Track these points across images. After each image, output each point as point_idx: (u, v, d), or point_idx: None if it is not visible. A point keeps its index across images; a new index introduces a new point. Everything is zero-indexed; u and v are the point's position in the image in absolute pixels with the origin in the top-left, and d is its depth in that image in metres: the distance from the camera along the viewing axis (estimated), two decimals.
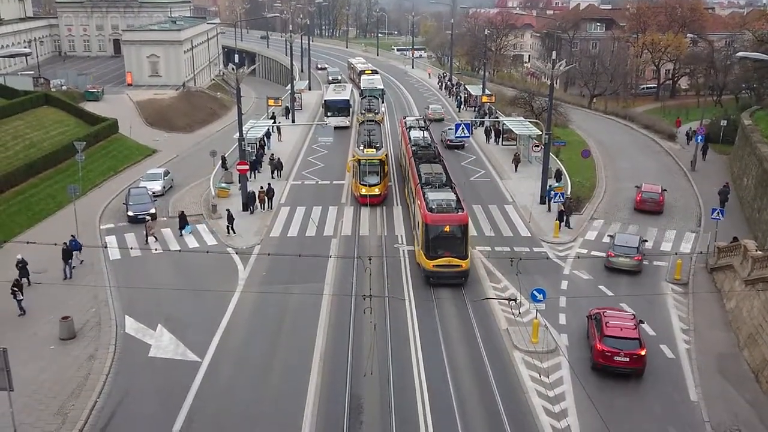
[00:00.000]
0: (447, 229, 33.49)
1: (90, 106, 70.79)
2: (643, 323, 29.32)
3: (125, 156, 60.01)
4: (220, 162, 52.25)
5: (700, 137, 55.48)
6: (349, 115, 68.91)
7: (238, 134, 44.78)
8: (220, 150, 54.34)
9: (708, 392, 25.75)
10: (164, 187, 49.10)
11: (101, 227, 42.08)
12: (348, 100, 70.06)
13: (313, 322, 30.34)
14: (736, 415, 24.49)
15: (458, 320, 30.75)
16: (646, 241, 38.41)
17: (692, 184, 51.04)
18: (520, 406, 24.70)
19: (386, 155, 47.18)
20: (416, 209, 36.75)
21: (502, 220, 43.41)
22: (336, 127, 65.62)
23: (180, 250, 36.59)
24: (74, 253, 35.35)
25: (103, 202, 47.01)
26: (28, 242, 29.02)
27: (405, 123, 54.98)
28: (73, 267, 34.96)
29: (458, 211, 34.50)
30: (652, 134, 68.86)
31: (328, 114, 68.15)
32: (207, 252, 34.66)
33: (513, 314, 28.87)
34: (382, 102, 75.65)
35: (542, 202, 45.61)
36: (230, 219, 40.61)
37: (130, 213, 42.76)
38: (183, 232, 40.47)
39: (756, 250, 31.14)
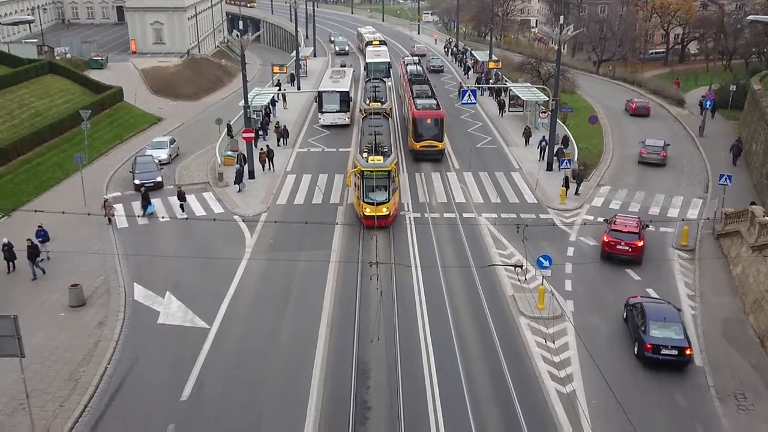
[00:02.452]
0: (429, 121, 47.41)
1: (94, 74, 70.47)
2: (648, 227, 35.09)
3: (131, 124, 59.91)
4: (226, 130, 52.14)
5: (708, 102, 55.00)
6: (348, 110, 56.51)
7: (243, 102, 44.58)
8: (225, 118, 54.16)
9: (713, 357, 25.89)
10: (170, 156, 49.10)
11: (108, 195, 42.15)
12: (347, 92, 56.83)
13: (320, 289, 30.53)
14: (740, 380, 24.66)
15: (464, 287, 30.89)
16: (669, 144, 48.83)
17: (700, 150, 50.75)
18: (525, 371, 24.90)
19: (396, 163, 38.41)
20: (408, 113, 50.80)
21: (508, 186, 43.31)
22: (332, 126, 55.86)
23: (187, 218, 36.68)
24: (41, 246, 32.17)
25: (109, 171, 47.08)
26: (36, 210, 29.12)
27: (404, 62, 69.26)
28: (41, 260, 31.89)
29: (437, 109, 48.54)
30: (660, 100, 68.27)
31: (323, 109, 55.97)
32: (214, 220, 34.75)
33: (519, 281, 28.96)
34: (389, 77, 66.81)
35: (549, 168, 45.44)
36: (239, 176, 42.06)
37: (137, 181, 42.80)
38: (145, 211, 38.56)
39: (763, 216, 31.04)
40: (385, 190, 36.24)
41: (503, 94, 62.11)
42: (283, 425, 22.03)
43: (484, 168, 46.54)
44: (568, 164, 41.45)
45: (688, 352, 24.91)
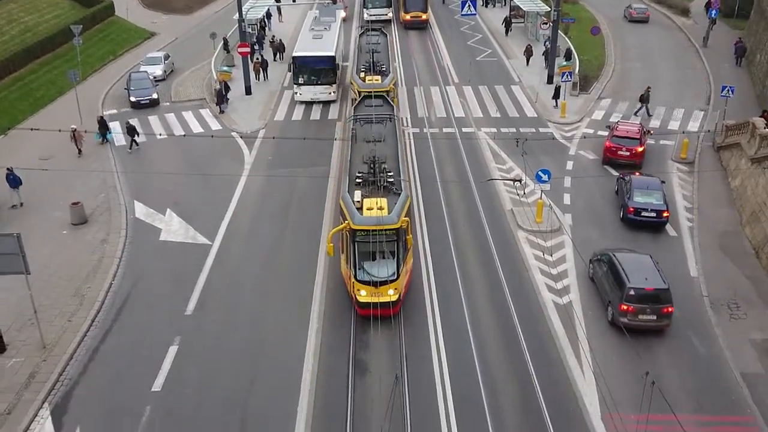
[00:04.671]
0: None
1: None
2: (650, 132, 36.04)
3: (123, 39, 58.63)
4: (222, 44, 51.09)
5: (713, 11, 53.71)
6: (334, 81, 42.16)
7: (237, 15, 43.49)
8: (220, 32, 52.98)
9: (708, 268, 26.29)
10: (165, 72, 48.28)
11: (104, 113, 41.75)
12: (331, 57, 41.75)
13: (320, 204, 30.68)
14: (734, 290, 25.12)
15: (463, 201, 31.03)
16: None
17: (703, 61, 49.87)
18: (523, 284, 25.33)
19: (408, 205, 23.46)
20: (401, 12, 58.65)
21: (508, 100, 42.85)
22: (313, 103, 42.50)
23: (185, 135, 36.48)
24: (13, 190, 30.37)
25: (104, 88, 46.42)
26: (32, 129, 28.91)
27: None
28: (13, 206, 30.51)
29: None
30: (665, 9, 66.58)
31: (299, 80, 41.64)
32: (212, 137, 34.59)
33: (518, 195, 29.08)
34: (389, 7, 59.35)
35: (549, 81, 44.83)
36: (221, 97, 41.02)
37: (133, 98, 42.30)
38: (107, 137, 37.10)
39: (764, 128, 30.86)
40: (392, 258, 22.59)
41: (509, 8, 60.45)
42: (286, 337, 22.56)
43: (483, 82, 45.90)
44: (569, 77, 40.87)
45: (665, 214, 28.55)
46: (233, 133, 38.37)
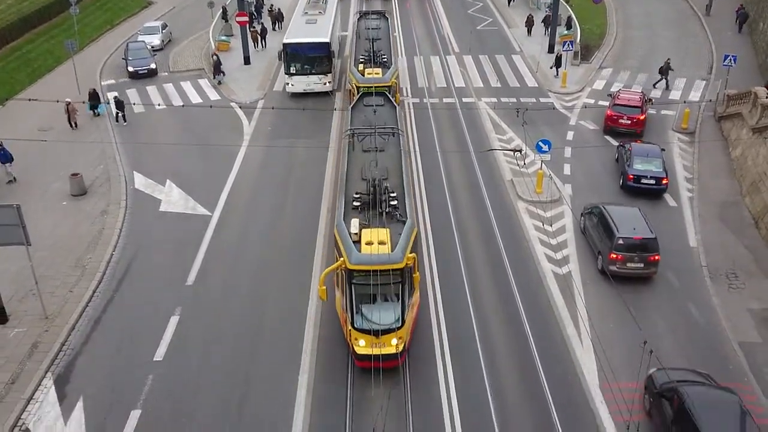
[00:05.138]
0: None
1: None
2: (652, 101, 36.31)
3: (120, 8, 58.03)
4: (220, 13, 50.58)
5: None
6: (329, 69, 38.52)
7: None
8: (218, 1, 52.41)
9: (707, 239, 26.33)
10: (163, 41, 47.86)
11: (102, 83, 41.50)
12: (326, 44, 37.97)
13: (320, 174, 30.65)
14: (733, 260, 25.18)
15: (463, 171, 30.99)
16: None
17: (706, 30, 49.40)
18: (522, 254, 25.39)
19: (414, 237, 20.17)
20: None
21: (509, 70, 42.57)
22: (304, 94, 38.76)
23: (183, 105, 36.30)
24: (5, 165, 30.04)
25: (101, 58, 46.03)
26: (30, 99, 28.75)
27: None
28: (9, 182, 29.98)
29: None
30: None
31: (291, 69, 38.19)
32: (210, 107, 34.41)
33: (518, 165, 29.02)
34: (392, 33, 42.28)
35: (550, 51, 44.47)
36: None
37: (131, 68, 42.00)
38: (97, 111, 36.45)
39: (766, 98, 30.69)
40: (396, 301, 19.33)
41: None
42: (287, 307, 22.67)
43: (483, 51, 45.57)
44: (570, 46, 40.53)
45: (664, 181, 28.58)
46: (232, 104, 38.18)
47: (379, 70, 32.43)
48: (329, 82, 38.59)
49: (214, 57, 41.79)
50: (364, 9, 45.64)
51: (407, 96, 38.58)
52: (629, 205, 26.39)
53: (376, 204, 20.64)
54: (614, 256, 23.06)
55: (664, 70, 39.32)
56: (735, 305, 22.94)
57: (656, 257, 23.17)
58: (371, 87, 30.26)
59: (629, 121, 33.63)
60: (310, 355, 20.65)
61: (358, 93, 30.46)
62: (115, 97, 36.49)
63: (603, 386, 19.28)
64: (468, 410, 18.71)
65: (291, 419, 18.42)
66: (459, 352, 20.73)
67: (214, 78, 41.03)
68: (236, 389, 19.42)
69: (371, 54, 34.55)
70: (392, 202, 20.98)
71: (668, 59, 39.78)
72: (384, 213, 20.48)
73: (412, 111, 36.65)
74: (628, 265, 23.10)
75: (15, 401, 18.76)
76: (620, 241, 23.00)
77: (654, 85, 39.39)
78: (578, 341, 21.13)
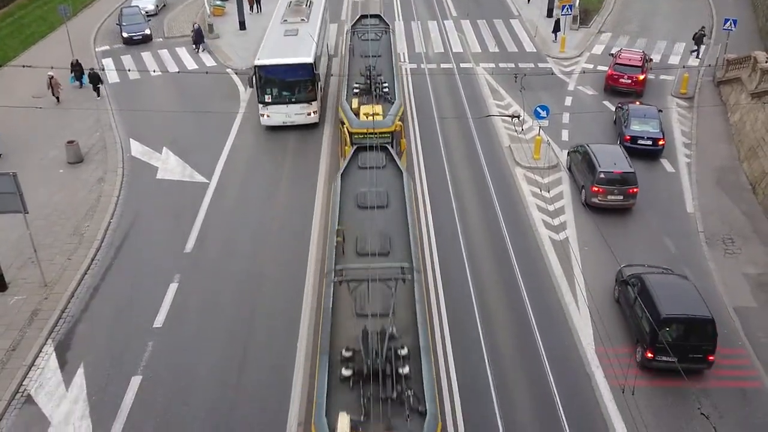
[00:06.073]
0: None
1: None
2: (653, 60, 36.66)
3: None
4: None
5: None
6: (314, 98, 30.99)
7: None
8: None
9: (704, 204, 26.37)
10: (157, 6, 47.29)
11: (96, 49, 41.10)
12: (309, 65, 30.19)
13: (318, 141, 30.55)
14: (730, 225, 25.26)
15: (461, 137, 30.88)
16: None
17: None
18: (520, 220, 25.44)
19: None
20: None
21: (507, 35, 42.18)
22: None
23: (179, 72, 35.98)
24: None
25: (95, 23, 45.52)
26: (24, 66, 28.46)
27: None
28: None
29: None
30: None
31: (266, 99, 30.58)
32: (206, 73, 34.12)
33: (516, 131, 28.94)
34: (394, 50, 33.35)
35: (549, 15, 44.02)
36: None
37: (125, 34, 41.57)
38: (82, 81, 35.56)
39: (766, 62, 30.49)
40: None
41: None
42: (286, 272, 22.75)
43: (481, 15, 45.11)
44: (569, 10, 40.12)
45: (660, 142, 28.89)
46: (228, 70, 37.87)
47: (380, 107, 25.04)
48: (314, 112, 31.15)
49: (195, 25, 41.16)
50: (359, 14, 38.47)
51: (404, 61, 38.24)
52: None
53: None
54: (596, 189, 24.96)
55: (699, 39, 38.58)
56: (731, 270, 23.06)
57: (635, 190, 25.04)
58: (367, 135, 22.74)
59: (630, 81, 33.99)
60: (309, 322, 20.79)
61: (350, 141, 24.10)
62: (90, 70, 35.04)
63: (598, 350, 19.49)
64: (466, 379, 18.87)
65: (290, 383, 18.61)
66: (456, 318, 20.86)
67: (194, 48, 40.33)
68: (236, 355, 19.58)
69: (369, 80, 26.51)
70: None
71: (702, 27, 39.16)
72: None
73: (409, 76, 36.37)
74: (609, 197, 25.04)
75: (17, 368, 18.94)
76: (602, 175, 24.87)
77: (692, 52, 38.74)
78: (575, 307, 21.27)
